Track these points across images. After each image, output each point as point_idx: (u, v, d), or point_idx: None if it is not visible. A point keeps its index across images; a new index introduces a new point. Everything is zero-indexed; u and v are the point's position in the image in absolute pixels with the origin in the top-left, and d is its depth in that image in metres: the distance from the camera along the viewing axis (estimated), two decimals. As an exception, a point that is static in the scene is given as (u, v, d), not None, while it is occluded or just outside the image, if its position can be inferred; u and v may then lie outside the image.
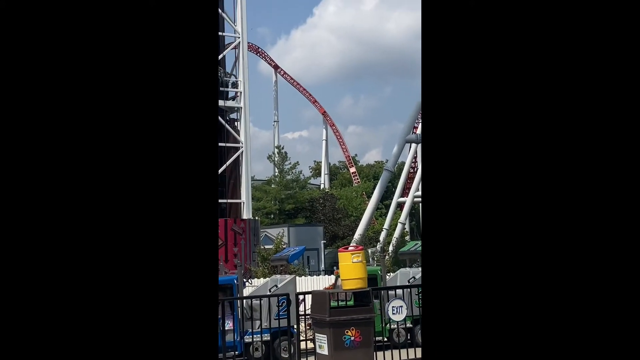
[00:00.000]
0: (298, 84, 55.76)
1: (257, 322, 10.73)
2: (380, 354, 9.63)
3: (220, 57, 28.67)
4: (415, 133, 40.85)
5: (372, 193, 41.07)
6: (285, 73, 55.14)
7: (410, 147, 47.03)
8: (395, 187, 49.61)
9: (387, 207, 51.01)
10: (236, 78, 29.75)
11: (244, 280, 12.81)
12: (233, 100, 29.42)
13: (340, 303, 9.81)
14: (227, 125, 28.52)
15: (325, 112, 58.16)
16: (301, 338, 10.99)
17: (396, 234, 43.58)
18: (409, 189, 48.21)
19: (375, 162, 73.29)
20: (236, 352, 10.18)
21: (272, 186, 46.93)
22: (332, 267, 29.55)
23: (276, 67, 54.91)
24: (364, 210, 41.46)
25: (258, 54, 53.31)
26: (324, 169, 59.15)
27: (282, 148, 49.12)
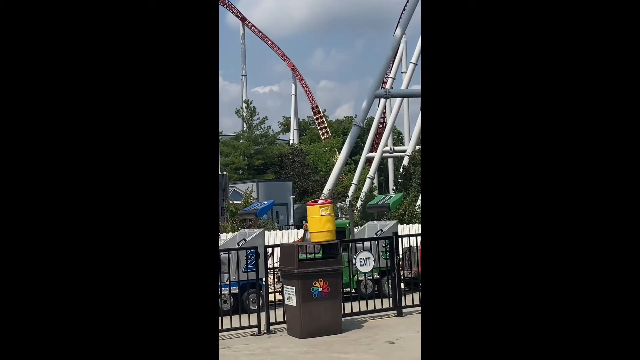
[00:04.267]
0: (266, 37, 54.93)
1: (226, 275, 10.76)
2: (347, 304, 9.76)
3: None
4: (384, 88, 40.72)
5: (342, 148, 41.07)
6: (253, 26, 54.22)
7: (379, 102, 47.00)
8: (364, 143, 49.73)
9: (356, 162, 51.18)
10: (203, 30, 29.13)
11: (213, 234, 12.75)
12: (200, 53, 28.86)
13: (308, 255, 9.86)
14: (194, 79, 28.03)
15: (294, 66, 57.57)
16: (269, 290, 11.05)
17: (365, 188, 43.83)
18: (378, 144, 48.36)
19: (345, 117, 73.23)
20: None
21: (241, 141, 46.62)
22: (301, 222, 29.69)
23: (243, 20, 53.92)
24: (333, 165, 41.54)
25: (224, 6, 52.23)
26: (293, 125, 58.86)
27: (251, 103, 48.66)
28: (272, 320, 9.39)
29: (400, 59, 49.42)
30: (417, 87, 53.62)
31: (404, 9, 45.10)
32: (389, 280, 10.96)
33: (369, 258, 10.07)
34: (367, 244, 10.72)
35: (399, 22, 44.55)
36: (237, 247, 11.27)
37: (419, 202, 28.32)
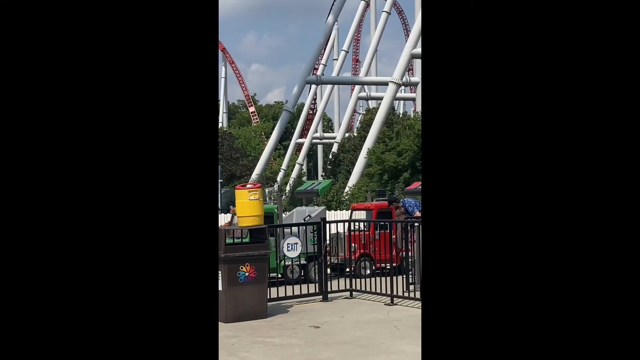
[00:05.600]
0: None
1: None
2: (274, 289, 9.77)
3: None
4: (315, 74, 40.76)
5: (271, 133, 40.91)
6: (184, 6, 53.02)
7: (310, 88, 47.01)
8: (294, 128, 49.71)
9: (286, 148, 51.13)
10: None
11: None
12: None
13: (235, 240, 9.79)
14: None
15: (224, 48, 56.83)
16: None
17: (294, 174, 43.92)
18: (308, 130, 48.45)
19: (275, 102, 72.98)
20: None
21: (169, 123, 45.66)
22: (228, 207, 29.42)
23: (174, -1, 52.69)
24: (263, 150, 41.35)
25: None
26: (222, 108, 58.17)
27: (180, 84, 47.67)
28: (197, 304, 9.28)
29: (332, 46, 49.59)
30: (347, 74, 53.96)
31: (336, -4, 45.13)
32: (316, 266, 11.04)
33: (296, 243, 10.09)
34: (294, 229, 10.74)
35: (331, 9, 44.60)
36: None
37: (347, 188, 28.62)
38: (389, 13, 43.82)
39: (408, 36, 37.23)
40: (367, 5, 47.71)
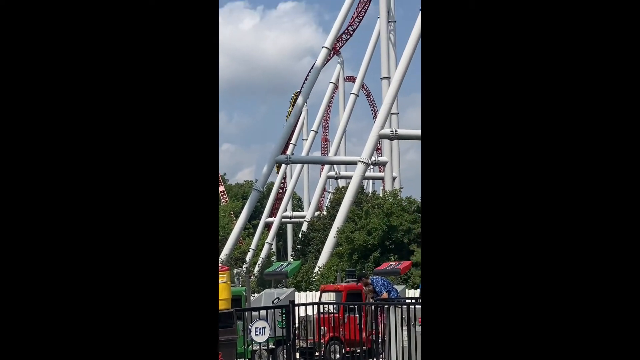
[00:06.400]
0: (168, 98, 54.55)
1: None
2: (241, 376, 9.47)
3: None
4: (285, 154, 41.22)
5: (241, 213, 40.80)
6: (155, 87, 53.78)
7: (279, 167, 47.38)
8: (264, 207, 49.71)
9: (255, 227, 50.91)
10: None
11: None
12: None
13: (202, 324, 9.55)
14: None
15: (195, 128, 57.19)
16: None
17: (263, 253, 43.58)
18: (277, 209, 48.47)
19: (245, 181, 73.22)
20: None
21: (137, 202, 45.30)
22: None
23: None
24: (231, 229, 41.10)
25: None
26: (192, 187, 58.03)
27: (149, 163, 47.68)
28: (160, 393, 8.92)
29: (302, 127, 50.43)
30: (317, 153, 54.68)
31: (305, 79, 46.36)
32: (284, 350, 10.77)
33: (264, 327, 9.87)
34: (263, 312, 10.53)
35: (300, 90, 45.63)
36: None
37: (317, 268, 28.40)
38: (357, 95, 45.02)
39: (376, 117, 38.10)
40: (336, 87, 48.99)
